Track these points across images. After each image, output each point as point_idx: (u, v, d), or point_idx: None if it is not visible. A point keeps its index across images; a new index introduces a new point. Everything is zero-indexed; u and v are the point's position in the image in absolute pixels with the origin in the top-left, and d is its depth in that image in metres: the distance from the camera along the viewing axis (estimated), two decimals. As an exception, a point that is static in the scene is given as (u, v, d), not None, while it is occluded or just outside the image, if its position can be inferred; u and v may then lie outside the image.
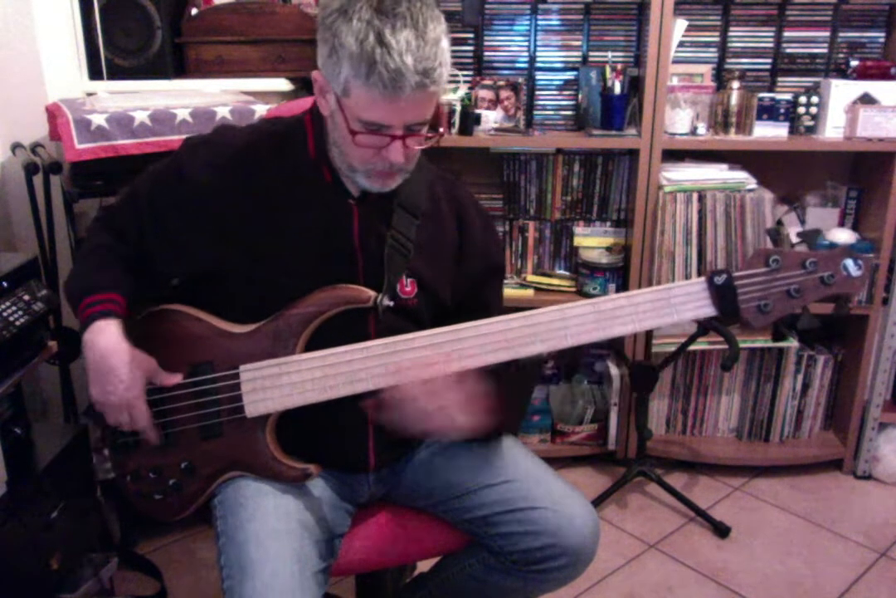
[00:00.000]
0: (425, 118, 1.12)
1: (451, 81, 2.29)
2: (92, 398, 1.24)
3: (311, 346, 1.21)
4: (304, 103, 1.36)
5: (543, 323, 1.13)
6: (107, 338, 1.21)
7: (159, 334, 1.27)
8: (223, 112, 1.86)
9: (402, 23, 1.04)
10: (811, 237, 1.19)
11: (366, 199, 1.24)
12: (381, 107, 1.08)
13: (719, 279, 1.12)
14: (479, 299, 1.36)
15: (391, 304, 1.21)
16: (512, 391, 1.29)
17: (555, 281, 2.39)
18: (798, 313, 1.15)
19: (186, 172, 1.23)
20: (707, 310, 1.13)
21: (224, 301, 1.27)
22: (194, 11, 2.28)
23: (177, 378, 1.25)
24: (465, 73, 2.31)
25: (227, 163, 1.23)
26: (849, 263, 1.12)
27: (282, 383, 1.20)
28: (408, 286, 1.27)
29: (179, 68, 2.28)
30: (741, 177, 2.22)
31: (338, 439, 1.30)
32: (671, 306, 1.13)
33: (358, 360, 1.17)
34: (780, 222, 2.36)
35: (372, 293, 1.20)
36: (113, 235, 1.30)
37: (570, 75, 2.37)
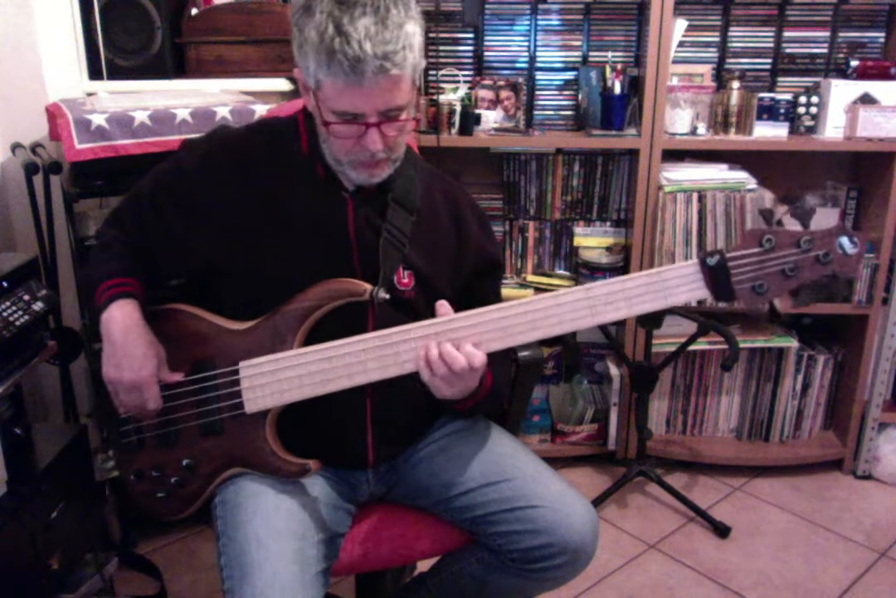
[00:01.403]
0: (397, 104, 1.12)
1: (451, 81, 2.30)
2: (105, 378, 1.25)
3: (310, 341, 1.21)
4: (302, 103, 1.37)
5: (539, 310, 1.13)
6: (129, 316, 1.23)
7: (162, 334, 1.28)
8: (223, 112, 1.86)
9: (361, 11, 1.06)
10: (805, 217, 1.16)
11: (360, 193, 1.26)
12: (348, 95, 1.09)
13: (711, 260, 1.09)
14: (477, 296, 1.35)
15: (387, 297, 1.21)
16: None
17: (555, 281, 2.39)
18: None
19: (185, 169, 1.27)
20: (701, 292, 1.11)
21: (225, 299, 1.28)
22: (194, 11, 2.28)
23: (178, 376, 1.26)
24: (465, 73, 2.31)
25: (224, 160, 1.25)
26: (844, 241, 1.09)
27: (279, 378, 1.20)
28: (405, 278, 1.27)
29: (179, 68, 2.28)
30: (741, 177, 2.22)
31: (337, 435, 1.31)
32: (664, 289, 1.11)
33: (354, 352, 1.17)
34: (780, 223, 2.36)
35: (368, 286, 1.20)
36: (120, 232, 1.33)
37: (570, 75, 2.37)
